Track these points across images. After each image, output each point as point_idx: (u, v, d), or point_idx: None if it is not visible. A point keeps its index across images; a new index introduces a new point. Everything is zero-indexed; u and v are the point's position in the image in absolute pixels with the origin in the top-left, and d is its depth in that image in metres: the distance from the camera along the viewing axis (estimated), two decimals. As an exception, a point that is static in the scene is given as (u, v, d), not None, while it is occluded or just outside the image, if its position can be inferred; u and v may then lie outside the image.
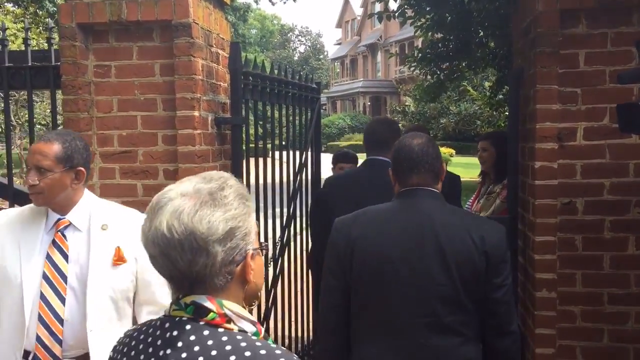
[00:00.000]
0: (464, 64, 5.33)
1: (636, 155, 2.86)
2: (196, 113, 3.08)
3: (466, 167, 13.16)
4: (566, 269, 2.95)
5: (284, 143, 4.29)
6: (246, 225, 1.20)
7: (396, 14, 5.16)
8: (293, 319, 4.33)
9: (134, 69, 3.15)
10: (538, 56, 2.85)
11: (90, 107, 3.17)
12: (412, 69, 5.69)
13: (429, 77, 5.52)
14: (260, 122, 4.08)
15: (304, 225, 4.54)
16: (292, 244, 4.31)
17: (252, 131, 4.52)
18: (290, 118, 4.34)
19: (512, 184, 3.18)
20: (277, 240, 4.06)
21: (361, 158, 3.73)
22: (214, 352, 1.12)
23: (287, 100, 4.14)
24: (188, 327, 1.16)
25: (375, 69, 49.03)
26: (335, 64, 58.02)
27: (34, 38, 9.33)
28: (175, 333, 1.16)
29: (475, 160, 5.95)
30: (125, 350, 1.24)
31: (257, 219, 3.62)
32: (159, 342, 1.18)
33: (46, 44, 3.42)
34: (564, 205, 2.93)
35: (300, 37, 67.60)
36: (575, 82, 2.91)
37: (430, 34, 5.03)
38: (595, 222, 2.92)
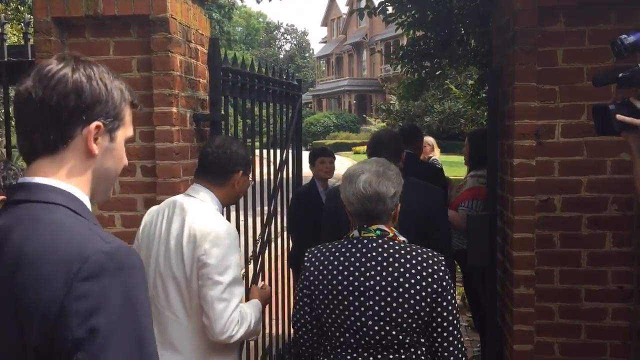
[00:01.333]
0: (445, 62, 5.34)
1: (613, 153, 2.88)
2: (174, 109, 3.04)
3: (451, 166, 13.23)
4: (544, 266, 2.96)
5: (264, 140, 4.27)
6: (400, 189, 2.07)
7: (377, 12, 5.15)
8: (274, 316, 4.31)
9: (111, 64, 3.08)
10: (516, 53, 2.86)
11: (66, 103, 3.12)
12: (393, 66, 5.69)
13: (410, 75, 5.53)
14: (241, 120, 4.05)
15: (285, 223, 4.53)
16: (273, 241, 4.28)
17: (232, 129, 4.49)
18: (271, 115, 4.32)
19: (491, 181, 3.19)
20: (257, 238, 4.04)
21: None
22: (397, 255, 2.00)
23: (268, 98, 4.12)
24: (380, 241, 2.04)
25: (361, 67, 49.09)
26: (321, 62, 58.02)
27: (14, 34, 9.20)
28: (371, 245, 2.03)
29: (460, 158, 6.00)
30: (321, 259, 2.10)
31: (237, 217, 3.59)
32: (358, 253, 2.03)
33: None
34: (542, 203, 2.94)
35: (285, 35, 67.53)
36: (553, 80, 2.92)
37: (411, 31, 5.03)
38: (573, 219, 2.94)
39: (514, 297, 2.92)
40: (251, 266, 3.86)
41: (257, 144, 4.20)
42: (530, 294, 2.91)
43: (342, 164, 14.32)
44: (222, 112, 3.43)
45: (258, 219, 4.12)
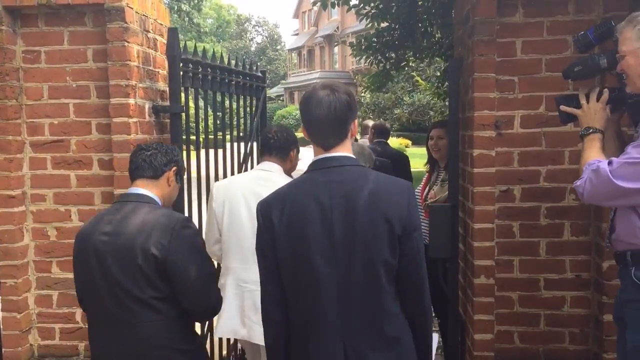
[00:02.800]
0: (409, 53, 5.34)
1: (571, 143, 2.91)
2: (131, 101, 2.98)
3: (423, 158, 13.32)
4: (504, 256, 2.99)
5: (227, 133, 4.21)
6: None
7: (341, 2, 5.12)
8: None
9: (65, 55, 3.03)
10: (476, 44, 2.86)
11: (18, 94, 3.03)
12: (358, 57, 5.67)
13: (375, 66, 5.51)
14: (202, 111, 3.99)
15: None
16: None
17: (194, 121, 4.41)
18: (235, 107, 4.26)
19: (452, 172, 3.20)
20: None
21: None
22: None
23: (231, 89, 4.06)
24: None
25: (332, 60, 49.02)
26: (293, 54, 57.74)
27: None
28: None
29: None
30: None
31: (199, 211, 3.54)
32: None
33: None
34: (502, 193, 2.96)
35: (257, 28, 66.98)
36: (512, 71, 2.93)
37: (376, 22, 5.01)
38: (531, 209, 2.97)
39: (475, 287, 2.94)
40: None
41: (220, 136, 4.14)
42: (490, 284, 2.93)
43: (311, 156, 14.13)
44: (182, 104, 3.37)
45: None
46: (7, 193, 3.02)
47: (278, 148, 2.94)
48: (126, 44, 2.92)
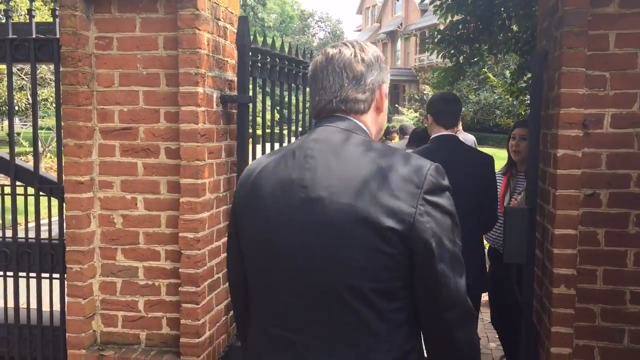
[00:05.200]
0: (484, 48, 5.10)
1: (667, 146, 2.66)
2: (200, 89, 2.93)
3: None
4: (586, 265, 2.77)
5: (293, 124, 4.13)
6: None
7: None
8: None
9: (136, 42, 3.01)
10: (565, 36, 2.65)
11: (90, 81, 3.04)
12: (429, 52, 5.48)
13: (447, 60, 5.30)
14: (268, 102, 3.92)
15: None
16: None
17: (260, 112, 4.36)
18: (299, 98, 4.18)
19: (531, 173, 3.00)
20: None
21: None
22: None
23: (297, 80, 3.98)
24: None
25: (395, 56, 48.52)
26: (355, 50, 57.41)
27: (38, 8, 9.23)
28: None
29: (495, 150, 5.68)
30: None
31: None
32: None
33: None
34: (587, 197, 2.74)
35: (319, 23, 67.08)
36: (603, 65, 2.70)
37: (450, 15, 4.82)
38: (619, 216, 2.74)
39: (553, 297, 2.74)
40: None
41: (285, 129, 4.07)
42: (570, 295, 2.72)
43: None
44: (250, 94, 3.31)
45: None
46: (76, 179, 3.03)
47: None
48: (197, 31, 2.88)
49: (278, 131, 4.05)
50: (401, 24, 44.42)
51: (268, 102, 3.83)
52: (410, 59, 44.56)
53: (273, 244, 1.38)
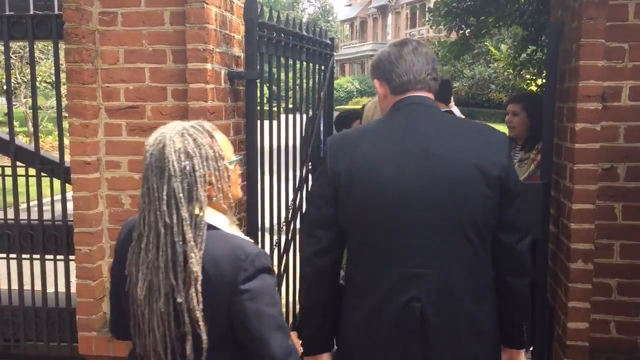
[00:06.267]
0: (491, 20, 5.02)
1: (685, 118, 2.63)
2: (209, 66, 2.85)
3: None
4: (603, 239, 2.76)
5: (298, 101, 4.06)
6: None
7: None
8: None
9: (141, 17, 2.92)
10: (585, 6, 2.60)
11: (94, 58, 2.95)
12: (431, 25, 5.40)
13: (441, 35, 5.21)
14: (271, 79, 3.84)
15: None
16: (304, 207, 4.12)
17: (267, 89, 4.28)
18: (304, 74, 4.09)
19: (546, 147, 2.96)
20: (289, 204, 3.88)
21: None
22: None
23: (302, 56, 3.89)
24: None
25: (385, 31, 48.21)
26: (345, 26, 57.04)
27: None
28: None
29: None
30: None
31: (270, 181, 3.43)
32: None
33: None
34: (605, 171, 2.72)
35: (309, -2, 66.35)
36: (622, 37, 2.66)
37: (458, -14, 4.73)
38: (637, 190, 2.71)
39: (570, 272, 2.73)
40: (283, 234, 3.71)
41: (283, 105, 4.01)
42: (588, 269, 2.71)
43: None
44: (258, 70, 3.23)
45: (290, 185, 3.94)
46: (83, 159, 2.96)
47: None
48: (205, 5, 2.79)
49: (287, 106, 3.98)
50: (392, -2, 44.04)
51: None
52: (401, 34, 44.27)
53: (400, 197, 1.71)
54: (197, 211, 1.44)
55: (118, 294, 1.60)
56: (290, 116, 3.89)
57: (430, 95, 1.87)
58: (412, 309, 1.71)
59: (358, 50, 47.06)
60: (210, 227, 1.47)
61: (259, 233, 3.30)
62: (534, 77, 5.96)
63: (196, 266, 1.40)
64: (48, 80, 15.95)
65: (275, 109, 3.76)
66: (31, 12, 3.16)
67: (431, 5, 5.85)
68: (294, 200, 3.90)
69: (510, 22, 5.07)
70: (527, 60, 5.56)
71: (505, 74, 13.18)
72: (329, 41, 4.52)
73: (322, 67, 4.42)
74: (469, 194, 1.70)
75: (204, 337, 1.41)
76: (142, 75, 2.95)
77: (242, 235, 1.57)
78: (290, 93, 3.91)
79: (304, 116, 4.08)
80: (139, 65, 2.94)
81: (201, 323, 1.40)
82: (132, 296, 1.48)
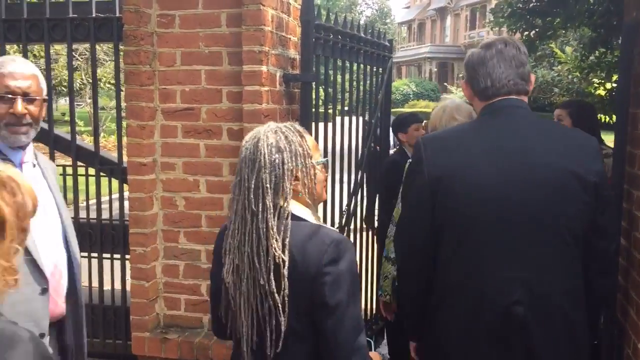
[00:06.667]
0: (557, 21, 4.79)
1: None
2: (264, 68, 2.82)
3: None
4: (680, 256, 2.55)
5: (355, 104, 3.99)
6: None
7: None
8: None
9: (199, 19, 2.92)
10: (664, 5, 2.41)
11: (152, 60, 2.97)
12: (491, 27, 5.20)
13: (518, 35, 5.01)
14: (326, 82, 3.78)
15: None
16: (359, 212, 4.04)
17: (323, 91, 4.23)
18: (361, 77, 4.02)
19: (618, 156, 2.77)
20: (344, 209, 3.81)
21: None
22: None
23: (359, 58, 3.82)
24: None
25: (444, 34, 47.50)
26: (402, 28, 56.58)
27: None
28: None
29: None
30: None
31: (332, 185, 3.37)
32: None
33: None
34: (683, 182, 2.52)
35: (367, 1, 66.15)
36: None
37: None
38: None
39: (644, 289, 2.53)
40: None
41: (340, 108, 3.94)
42: (663, 288, 2.52)
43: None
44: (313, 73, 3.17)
45: (345, 188, 3.87)
46: (139, 160, 2.98)
47: None
48: (261, 7, 2.76)
49: (342, 108, 3.91)
50: (451, 0, 43.31)
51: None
52: (460, 36, 43.51)
53: (499, 200, 1.76)
54: (282, 202, 1.54)
55: (217, 295, 1.68)
56: (346, 119, 3.82)
57: (522, 97, 1.90)
58: (515, 312, 1.76)
59: (415, 52, 46.52)
60: (297, 217, 1.56)
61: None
62: (603, 81, 5.66)
63: (277, 251, 1.49)
64: (112, 82, 16.46)
65: (330, 111, 3.71)
66: (93, 15, 3.21)
67: (493, 7, 5.65)
68: (349, 205, 3.83)
69: (578, 24, 4.83)
70: (596, 63, 5.29)
71: (570, 77, 12.66)
72: (387, 43, 4.43)
73: (380, 70, 4.33)
74: (567, 199, 1.75)
75: (282, 319, 1.49)
76: (198, 77, 2.95)
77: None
78: (347, 95, 3.84)
79: (360, 119, 4.00)
80: (195, 67, 2.94)
81: (280, 306, 1.49)
82: (224, 281, 1.59)
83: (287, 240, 1.51)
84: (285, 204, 1.54)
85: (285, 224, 1.52)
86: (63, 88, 14.92)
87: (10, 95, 1.85)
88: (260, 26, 2.77)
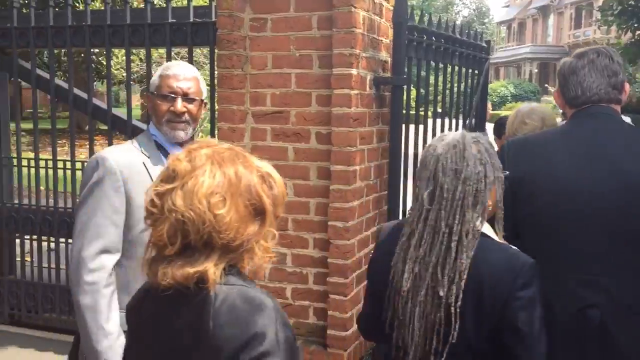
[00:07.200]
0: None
1: None
2: (354, 71, 2.77)
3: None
4: None
5: (447, 108, 3.85)
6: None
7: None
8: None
9: (290, 23, 2.92)
10: None
11: (244, 63, 3.00)
12: (601, 26, 4.87)
13: (609, 36, 4.63)
14: (419, 85, 3.68)
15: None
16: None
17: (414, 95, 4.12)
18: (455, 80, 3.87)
19: None
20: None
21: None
22: None
23: (454, 60, 3.68)
24: None
25: (546, 33, 45.48)
26: (501, 28, 54.77)
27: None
28: None
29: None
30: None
31: (413, 190, 3.27)
32: None
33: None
34: None
35: (464, 0, 64.61)
36: None
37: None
38: None
39: None
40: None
41: (430, 111, 3.81)
42: None
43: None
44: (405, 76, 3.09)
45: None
46: (229, 162, 3.02)
47: None
48: (353, 9, 2.71)
49: (435, 111, 3.80)
50: (555, -2, 41.38)
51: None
52: (564, 36, 41.48)
53: (579, 204, 1.78)
54: (476, 215, 1.51)
55: (374, 295, 1.69)
56: (439, 122, 3.69)
57: (614, 106, 1.92)
58: (590, 316, 1.77)
59: (515, 53, 44.86)
60: (482, 234, 1.54)
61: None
62: None
63: (464, 266, 1.47)
64: (207, 84, 17.06)
65: (422, 113, 3.60)
66: (191, 20, 3.29)
67: (600, 4, 5.29)
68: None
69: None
70: None
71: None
72: (484, 44, 4.26)
73: (476, 72, 4.17)
74: None
75: (455, 332, 1.47)
76: (288, 81, 2.95)
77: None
78: (439, 98, 3.71)
79: (454, 122, 3.86)
80: (285, 71, 2.95)
81: (455, 318, 1.47)
82: (395, 289, 1.58)
83: (471, 254, 1.49)
84: (480, 218, 1.52)
85: (475, 238, 1.50)
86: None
87: (172, 95, 2.00)
88: (351, 29, 2.73)
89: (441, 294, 1.48)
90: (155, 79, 2.06)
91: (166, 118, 2.01)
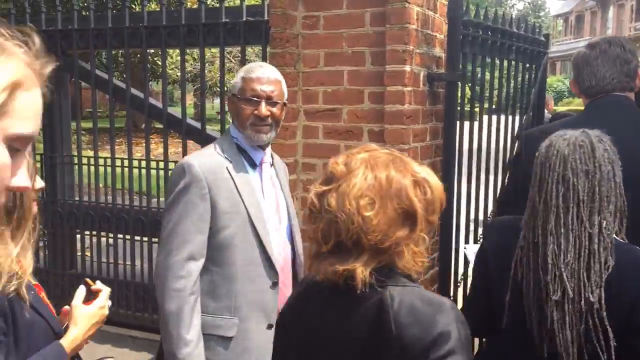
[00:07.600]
0: None
1: None
2: (407, 68, 2.73)
3: None
4: None
5: (504, 104, 3.75)
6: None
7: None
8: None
9: (343, 20, 2.90)
10: None
11: (297, 62, 3.00)
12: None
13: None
14: (474, 80, 3.59)
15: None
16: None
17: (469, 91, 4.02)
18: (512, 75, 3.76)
19: None
20: (488, 215, 3.59)
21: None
22: None
23: (511, 55, 3.57)
24: None
25: (605, 26, 43.82)
26: (558, 21, 53.16)
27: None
28: None
29: None
30: None
31: (468, 189, 3.20)
32: None
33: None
34: None
35: (519, -7, 63.01)
36: None
37: None
38: None
39: None
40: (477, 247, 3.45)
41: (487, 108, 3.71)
42: None
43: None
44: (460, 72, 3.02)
45: (490, 193, 3.65)
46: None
47: None
48: (406, 4, 2.67)
49: (490, 108, 3.70)
50: (615, -11, 39.82)
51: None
52: (624, 28, 39.85)
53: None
54: (610, 215, 1.49)
55: (487, 293, 1.69)
56: (494, 119, 3.60)
57: (627, 94, 2.01)
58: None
59: (572, 47, 43.40)
60: None
61: (453, 243, 3.10)
62: None
63: (610, 269, 1.44)
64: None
65: (477, 110, 3.51)
66: (244, 19, 3.32)
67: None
68: (494, 211, 3.61)
69: None
70: None
71: None
72: (542, 38, 4.12)
73: (533, 66, 4.04)
74: None
75: (611, 335, 1.44)
76: (340, 78, 2.93)
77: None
78: (495, 93, 3.62)
79: (510, 119, 3.75)
80: (337, 68, 2.93)
81: (606, 322, 1.44)
82: (530, 297, 1.53)
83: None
84: (610, 218, 1.49)
85: (612, 239, 1.48)
86: (218, 89, 15.92)
87: (256, 99, 1.99)
88: (404, 24, 2.69)
89: (592, 299, 1.45)
90: (237, 81, 2.04)
91: (250, 121, 1.99)
